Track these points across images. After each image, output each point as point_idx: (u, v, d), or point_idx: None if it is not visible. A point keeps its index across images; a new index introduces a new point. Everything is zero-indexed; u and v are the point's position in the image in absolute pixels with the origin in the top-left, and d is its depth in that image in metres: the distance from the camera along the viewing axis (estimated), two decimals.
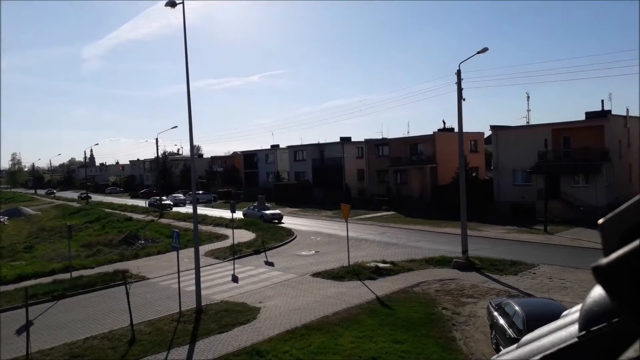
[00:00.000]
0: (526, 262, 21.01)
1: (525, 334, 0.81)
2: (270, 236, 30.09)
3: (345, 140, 57.39)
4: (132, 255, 26.41)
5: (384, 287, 17.82)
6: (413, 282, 18.34)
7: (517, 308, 11.46)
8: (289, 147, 63.78)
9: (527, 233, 28.59)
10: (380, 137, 56.61)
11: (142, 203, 59.24)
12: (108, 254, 27.79)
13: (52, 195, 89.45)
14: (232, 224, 27.49)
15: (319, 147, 59.10)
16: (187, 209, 46.16)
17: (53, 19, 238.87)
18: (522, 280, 18.31)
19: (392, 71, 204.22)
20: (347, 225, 22.22)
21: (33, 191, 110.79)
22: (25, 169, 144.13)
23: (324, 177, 55.84)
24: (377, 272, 19.60)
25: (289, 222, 38.05)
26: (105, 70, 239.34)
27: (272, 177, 66.41)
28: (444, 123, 49.64)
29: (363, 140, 55.32)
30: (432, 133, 47.12)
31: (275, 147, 68.55)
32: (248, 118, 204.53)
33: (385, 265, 20.56)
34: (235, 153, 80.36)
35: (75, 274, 21.47)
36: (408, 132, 53.15)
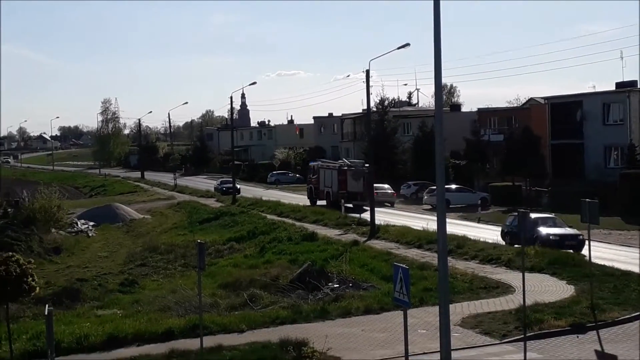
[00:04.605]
0: None
1: None
2: (609, 294, 29.24)
3: None
4: (315, 312, 27.96)
5: None
6: None
7: None
8: None
9: None
10: None
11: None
12: (270, 305, 29.96)
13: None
14: (521, 260, 27.14)
15: None
16: (425, 220, 46.91)
17: None
18: None
19: None
20: None
21: (139, 174, 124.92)
22: (126, 132, 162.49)
23: None
24: None
25: None
26: None
27: (616, 156, 64.86)
28: None
29: None
30: None
31: (625, 87, 66.62)
32: (562, 22, 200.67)
33: None
34: (531, 101, 79.90)
35: (208, 340, 23.33)
36: None
